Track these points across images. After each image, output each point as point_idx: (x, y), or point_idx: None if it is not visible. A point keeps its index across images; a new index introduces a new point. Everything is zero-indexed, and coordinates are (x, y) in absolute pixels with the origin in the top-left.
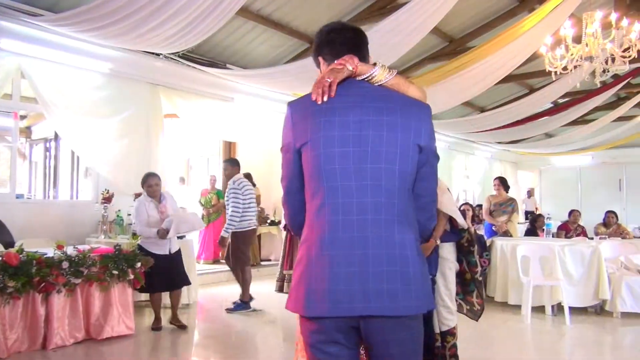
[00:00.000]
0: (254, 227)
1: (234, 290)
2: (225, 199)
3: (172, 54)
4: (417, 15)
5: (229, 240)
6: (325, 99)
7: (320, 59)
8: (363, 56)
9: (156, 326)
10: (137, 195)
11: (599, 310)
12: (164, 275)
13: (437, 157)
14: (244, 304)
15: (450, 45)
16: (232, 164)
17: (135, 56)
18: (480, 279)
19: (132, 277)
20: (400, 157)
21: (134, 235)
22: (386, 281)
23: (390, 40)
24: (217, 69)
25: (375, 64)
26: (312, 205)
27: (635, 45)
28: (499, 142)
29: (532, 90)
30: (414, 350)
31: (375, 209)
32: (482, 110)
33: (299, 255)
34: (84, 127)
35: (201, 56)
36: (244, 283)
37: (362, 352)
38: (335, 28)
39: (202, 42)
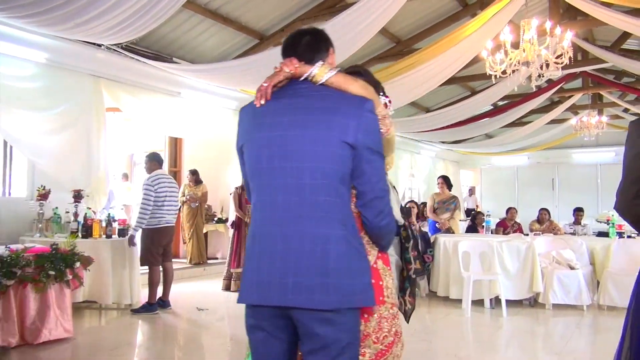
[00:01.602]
0: (166, 224)
1: (179, 289)
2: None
3: (115, 45)
4: (366, 15)
5: (140, 237)
6: (262, 102)
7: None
8: (312, 58)
9: None
10: (76, 192)
11: (533, 302)
12: None
13: (377, 154)
14: (149, 305)
15: (398, 46)
16: (149, 159)
17: (75, 46)
18: (414, 276)
19: (70, 277)
20: (323, 155)
21: (72, 233)
22: (306, 275)
23: (339, 39)
24: (163, 63)
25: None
26: (252, 202)
27: (567, 52)
28: (443, 142)
29: (473, 92)
30: (343, 347)
31: (299, 205)
32: (428, 110)
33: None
34: (19, 119)
35: (146, 48)
36: (150, 284)
37: None
38: (292, 34)
39: (147, 34)
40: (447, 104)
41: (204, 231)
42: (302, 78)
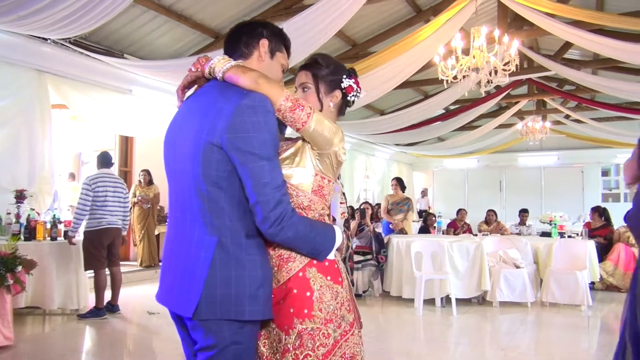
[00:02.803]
0: (108, 226)
1: (129, 292)
2: None
3: (62, 39)
4: (323, 17)
5: (79, 239)
6: (178, 104)
7: None
8: (233, 53)
9: None
10: (19, 192)
11: (481, 300)
12: None
13: (250, 155)
14: (96, 310)
15: (354, 49)
16: (97, 158)
17: (18, 39)
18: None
19: (11, 282)
20: (195, 158)
21: (14, 236)
22: (179, 278)
23: (295, 41)
24: (114, 59)
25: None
26: None
27: (514, 60)
28: (397, 144)
29: (426, 96)
30: (212, 357)
31: (182, 208)
32: (382, 113)
33: None
34: None
35: (96, 44)
36: (96, 288)
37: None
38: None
39: (97, 29)
40: (401, 107)
41: (156, 233)
42: (207, 75)
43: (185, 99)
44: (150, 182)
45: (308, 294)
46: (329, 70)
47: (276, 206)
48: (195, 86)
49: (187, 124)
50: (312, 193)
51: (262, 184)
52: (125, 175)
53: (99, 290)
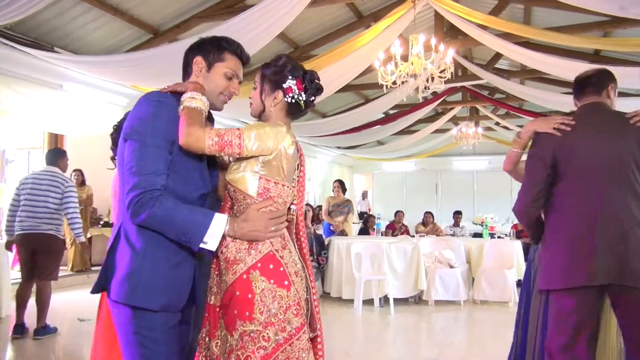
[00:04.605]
0: (24, 231)
1: (59, 298)
2: None
3: None
4: (265, 18)
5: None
6: None
7: None
8: (184, 77)
9: None
10: None
11: (417, 299)
12: None
13: (128, 140)
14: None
15: (296, 51)
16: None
17: None
18: None
19: None
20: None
21: None
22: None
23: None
24: (43, 52)
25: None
26: None
27: (450, 68)
28: (338, 147)
29: (367, 100)
30: (123, 346)
31: None
32: (324, 116)
33: None
34: None
35: (22, 35)
36: (16, 300)
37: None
38: None
39: (23, 19)
40: (342, 110)
41: (88, 236)
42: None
43: None
44: (82, 183)
45: (250, 296)
46: (276, 70)
47: (130, 190)
48: None
49: None
50: (258, 196)
51: (126, 167)
52: None
53: (16, 304)
